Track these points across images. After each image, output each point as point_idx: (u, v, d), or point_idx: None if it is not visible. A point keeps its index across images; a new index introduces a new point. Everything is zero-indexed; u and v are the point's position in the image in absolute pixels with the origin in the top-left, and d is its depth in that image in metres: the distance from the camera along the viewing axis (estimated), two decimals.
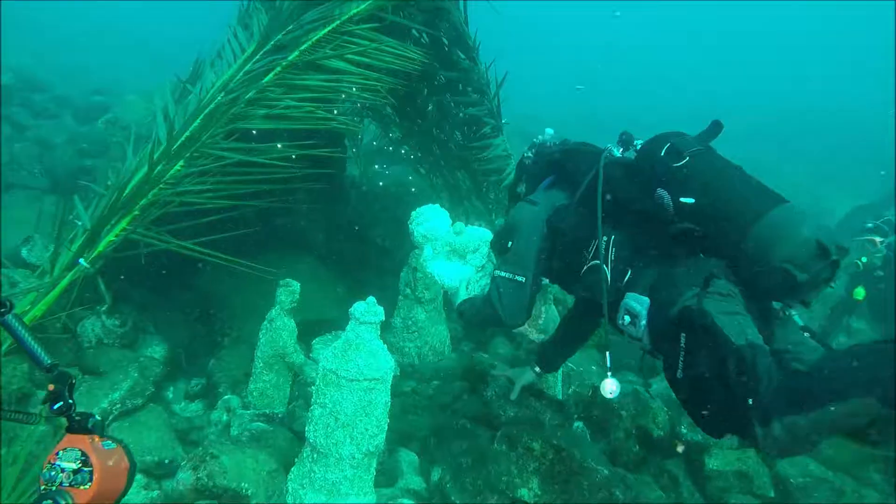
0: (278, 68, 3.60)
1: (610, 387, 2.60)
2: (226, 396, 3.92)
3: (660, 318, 2.57)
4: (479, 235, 3.14)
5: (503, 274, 3.09)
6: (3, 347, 3.23)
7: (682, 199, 2.68)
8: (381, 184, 5.82)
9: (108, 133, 8.08)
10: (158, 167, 3.27)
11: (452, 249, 3.17)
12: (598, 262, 2.87)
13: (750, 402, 2.11)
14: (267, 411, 3.77)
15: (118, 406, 3.30)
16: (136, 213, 3.32)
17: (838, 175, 16.29)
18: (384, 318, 3.09)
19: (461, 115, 5.13)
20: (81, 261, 3.28)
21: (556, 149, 3.52)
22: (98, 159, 7.29)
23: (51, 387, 1.48)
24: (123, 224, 3.31)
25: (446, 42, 4.67)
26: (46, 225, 5.26)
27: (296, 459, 3.15)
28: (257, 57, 3.78)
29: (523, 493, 3.24)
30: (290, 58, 3.60)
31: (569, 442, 3.41)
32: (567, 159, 3.41)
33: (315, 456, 2.98)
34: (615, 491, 3.22)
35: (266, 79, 3.57)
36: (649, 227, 2.83)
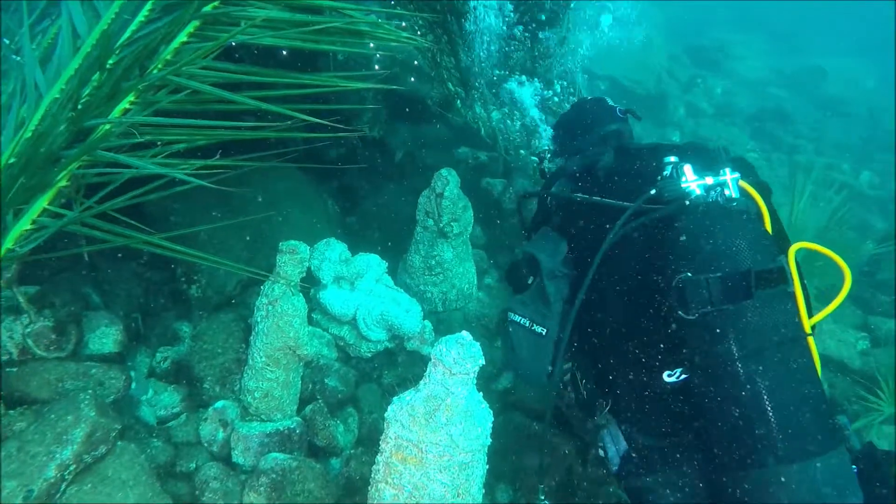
0: None
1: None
2: (217, 405, 2.89)
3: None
4: (366, 260, 3.25)
5: (517, 319, 2.46)
6: None
7: (681, 313, 1.90)
8: (376, 66, 4.38)
9: None
10: (87, 112, 1.91)
11: (339, 277, 3.26)
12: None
13: None
14: (279, 426, 2.80)
15: (72, 468, 2.22)
16: (63, 184, 2.00)
17: None
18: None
19: None
20: None
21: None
22: None
23: None
24: (43, 203, 2.00)
25: None
26: None
27: None
28: None
29: None
30: None
31: None
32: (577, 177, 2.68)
33: None
34: None
35: None
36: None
